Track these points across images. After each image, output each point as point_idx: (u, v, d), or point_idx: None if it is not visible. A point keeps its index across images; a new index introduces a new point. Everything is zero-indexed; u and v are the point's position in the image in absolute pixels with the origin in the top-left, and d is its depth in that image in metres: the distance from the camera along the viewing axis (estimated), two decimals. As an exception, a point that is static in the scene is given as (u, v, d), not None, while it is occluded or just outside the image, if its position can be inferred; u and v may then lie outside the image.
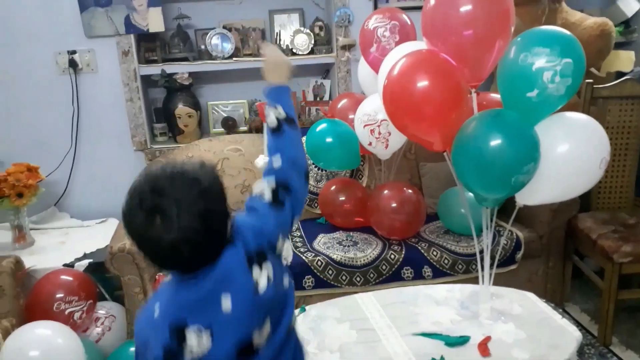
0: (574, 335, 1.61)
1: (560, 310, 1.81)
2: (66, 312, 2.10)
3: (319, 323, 1.75)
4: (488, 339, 1.60)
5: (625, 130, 2.64)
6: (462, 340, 1.61)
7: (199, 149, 2.79)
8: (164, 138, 3.07)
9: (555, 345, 1.56)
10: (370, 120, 2.30)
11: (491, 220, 1.82)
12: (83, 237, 2.58)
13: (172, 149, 2.87)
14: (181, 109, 2.94)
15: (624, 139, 2.64)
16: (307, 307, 1.87)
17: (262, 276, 1.01)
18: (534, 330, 1.64)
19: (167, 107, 3.02)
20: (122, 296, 2.25)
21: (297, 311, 1.84)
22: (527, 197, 1.72)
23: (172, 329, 0.97)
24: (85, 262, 2.33)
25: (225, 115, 3.13)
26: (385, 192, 2.47)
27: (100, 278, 2.54)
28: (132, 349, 2.03)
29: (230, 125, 3.08)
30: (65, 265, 2.30)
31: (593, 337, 2.39)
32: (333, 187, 2.64)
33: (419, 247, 2.41)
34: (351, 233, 2.58)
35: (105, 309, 2.32)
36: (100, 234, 2.57)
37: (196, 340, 0.96)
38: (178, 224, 0.92)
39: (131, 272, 2.17)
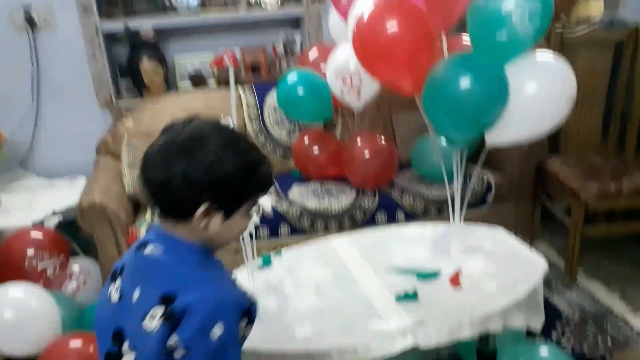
0: (541, 265, 1.66)
1: (528, 244, 1.87)
2: (39, 268, 2.07)
3: (294, 264, 1.77)
4: (459, 272, 1.65)
5: (593, 76, 2.68)
6: (434, 274, 1.65)
7: (167, 105, 2.72)
8: (130, 94, 2.99)
9: (522, 275, 1.61)
10: (342, 70, 2.27)
11: (461, 161, 1.85)
12: (51, 196, 2.54)
13: (139, 106, 2.79)
14: (146, 64, 2.85)
15: (592, 85, 2.68)
16: (283, 251, 1.89)
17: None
18: (503, 263, 1.69)
19: (131, 62, 2.93)
20: (96, 252, 2.23)
21: (273, 253, 1.85)
22: (496, 138, 1.74)
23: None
24: (55, 219, 2.29)
25: (193, 70, 3.05)
26: (359, 143, 2.48)
27: (73, 235, 2.50)
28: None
29: (197, 81, 3.01)
30: (34, 223, 2.26)
31: (560, 271, 2.49)
32: (306, 140, 2.62)
33: (392, 195, 2.44)
34: (325, 183, 2.59)
35: (79, 265, 2.29)
36: (69, 192, 2.52)
37: None
38: (158, 164, 0.92)
39: (103, 227, 2.14)
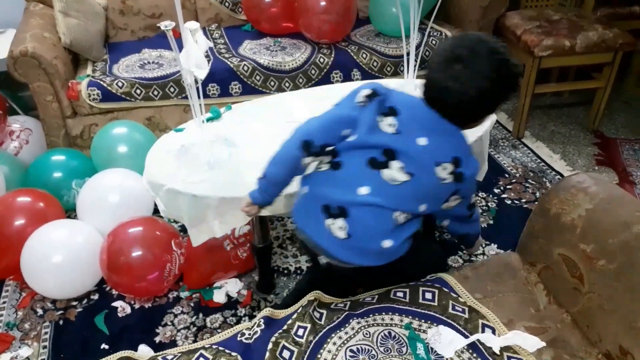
0: (490, 117, 1.68)
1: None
2: (-27, 122, 1.96)
3: (245, 116, 1.73)
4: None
5: None
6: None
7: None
8: None
9: (471, 126, 1.64)
10: None
11: (419, 11, 1.76)
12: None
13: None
14: None
15: None
16: (233, 106, 1.83)
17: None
18: (453, 114, 1.71)
19: None
20: (35, 107, 2.11)
21: (223, 109, 1.80)
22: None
23: None
24: (-15, 74, 2.12)
25: None
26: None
27: (10, 95, 2.35)
28: (57, 157, 1.96)
29: None
30: (-38, 77, 2.09)
31: (508, 132, 2.57)
32: (258, -12, 2.43)
33: (349, 50, 2.35)
34: (279, 39, 2.47)
35: (19, 122, 2.18)
36: (-1, 45, 2.31)
37: None
38: (465, 80, 1.06)
39: (39, 78, 1.99)
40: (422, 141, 1.13)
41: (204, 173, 1.44)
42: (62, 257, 1.54)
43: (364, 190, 1.13)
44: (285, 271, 1.78)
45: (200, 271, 1.59)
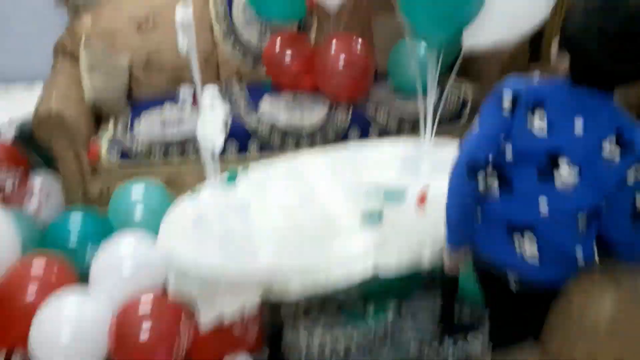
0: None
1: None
2: (-4, 182, 1.98)
3: (261, 183, 1.73)
4: (425, 192, 1.60)
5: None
6: (401, 193, 1.61)
7: (127, 0, 2.49)
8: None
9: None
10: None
11: (437, 69, 1.73)
12: (7, 103, 2.38)
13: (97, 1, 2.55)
14: (102, -46, 2.56)
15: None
16: (250, 167, 1.83)
17: None
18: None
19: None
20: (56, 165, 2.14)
21: (240, 168, 1.80)
22: (473, 39, 1.63)
23: None
24: (12, 129, 2.16)
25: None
26: (333, 50, 2.33)
27: (33, 146, 2.39)
28: (74, 218, 1.96)
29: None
30: (-12, 133, 2.14)
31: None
32: (278, 44, 2.44)
33: (366, 108, 2.34)
34: (298, 94, 2.46)
35: (40, 179, 2.21)
36: (27, 99, 2.35)
37: None
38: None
39: (62, 136, 2.02)
40: (579, 123, 1.09)
41: (216, 252, 1.42)
42: (69, 337, 1.49)
43: (543, 205, 1.13)
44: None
45: (210, 350, 1.55)
